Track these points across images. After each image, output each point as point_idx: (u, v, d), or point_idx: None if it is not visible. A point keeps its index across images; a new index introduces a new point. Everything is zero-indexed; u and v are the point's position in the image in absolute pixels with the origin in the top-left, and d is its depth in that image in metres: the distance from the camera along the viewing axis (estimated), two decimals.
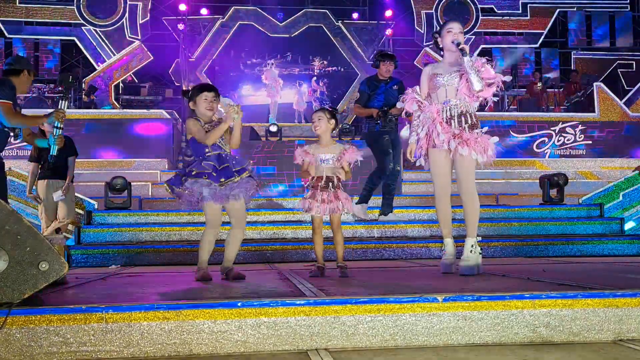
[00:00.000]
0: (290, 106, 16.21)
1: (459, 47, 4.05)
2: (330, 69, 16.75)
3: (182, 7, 14.91)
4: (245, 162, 4.06)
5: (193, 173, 3.89)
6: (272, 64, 16.30)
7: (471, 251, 4.08)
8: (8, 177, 7.62)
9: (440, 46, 4.30)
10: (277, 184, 9.91)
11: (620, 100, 13.11)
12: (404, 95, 4.36)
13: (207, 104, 4.00)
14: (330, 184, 4.27)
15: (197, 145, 4.00)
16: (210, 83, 4.21)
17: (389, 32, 15.63)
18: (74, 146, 6.66)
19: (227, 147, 4.05)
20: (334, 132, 4.49)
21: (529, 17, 16.26)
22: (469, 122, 4.08)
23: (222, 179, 3.86)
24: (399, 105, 4.49)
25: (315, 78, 16.62)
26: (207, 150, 3.96)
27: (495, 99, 4.30)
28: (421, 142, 4.21)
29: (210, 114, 4.01)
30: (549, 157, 12.02)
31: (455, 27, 4.19)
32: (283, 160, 9.98)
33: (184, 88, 14.64)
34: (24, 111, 4.48)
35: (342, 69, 16.76)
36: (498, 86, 4.10)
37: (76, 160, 6.74)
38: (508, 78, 4.27)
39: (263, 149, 10.39)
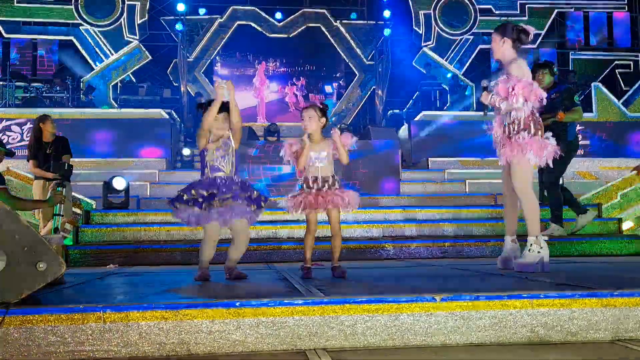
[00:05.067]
0: (282, 101, 16.47)
1: (483, 105, 4.36)
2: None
3: (181, 7, 14.88)
4: (246, 190, 3.97)
5: (184, 198, 3.91)
6: (262, 65, 16.43)
7: (529, 250, 4.19)
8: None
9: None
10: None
11: (618, 100, 13.12)
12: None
13: (218, 124, 4.00)
14: (326, 184, 4.04)
15: (202, 160, 4.03)
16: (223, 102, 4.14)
17: (387, 32, 15.61)
18: (69, 146, 6.74)
19: (228, 166, 4.00)
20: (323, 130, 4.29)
21: (527, 18, 16.24)
22: (516, 128, 4.18)
23: (206, 203, 3.84)
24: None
25: (295, 77, 16.87)
26: (205, 171, 3.96)
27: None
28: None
29: (220, 133, 4.02)
30: None
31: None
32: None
33: (182, 89, 14.66)
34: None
35: (314, 68, 16.96)
36: (524, 89, 4.07)
37: (73, 160, 6.77)
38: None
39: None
